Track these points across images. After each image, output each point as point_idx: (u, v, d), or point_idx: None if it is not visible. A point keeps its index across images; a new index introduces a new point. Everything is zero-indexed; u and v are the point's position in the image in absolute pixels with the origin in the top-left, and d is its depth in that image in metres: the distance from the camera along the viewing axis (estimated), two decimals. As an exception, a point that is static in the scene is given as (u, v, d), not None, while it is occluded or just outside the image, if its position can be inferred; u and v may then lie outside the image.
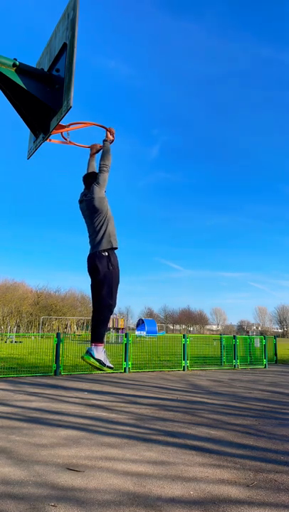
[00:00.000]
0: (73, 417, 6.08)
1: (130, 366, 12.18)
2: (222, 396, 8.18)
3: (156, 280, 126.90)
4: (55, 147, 3.87)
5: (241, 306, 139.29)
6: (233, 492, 3.40)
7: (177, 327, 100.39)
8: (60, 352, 11.13)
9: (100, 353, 3.31)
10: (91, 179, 3.67)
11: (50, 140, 3.65)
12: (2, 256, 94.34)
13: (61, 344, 11.20)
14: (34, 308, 62.02)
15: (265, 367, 14.68)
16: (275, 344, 16.79)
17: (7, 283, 64.02)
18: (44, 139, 3.47)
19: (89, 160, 3.97)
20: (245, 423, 5.88)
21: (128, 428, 5.46)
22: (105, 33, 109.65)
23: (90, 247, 3.55)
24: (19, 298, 60.83)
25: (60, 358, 11.13)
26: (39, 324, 57.88)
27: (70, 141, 3.77)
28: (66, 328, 63.92)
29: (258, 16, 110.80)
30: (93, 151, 3.96)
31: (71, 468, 3.89)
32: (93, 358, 3.28)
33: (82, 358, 3.33)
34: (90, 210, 3.53)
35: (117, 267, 3.50)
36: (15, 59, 3.09)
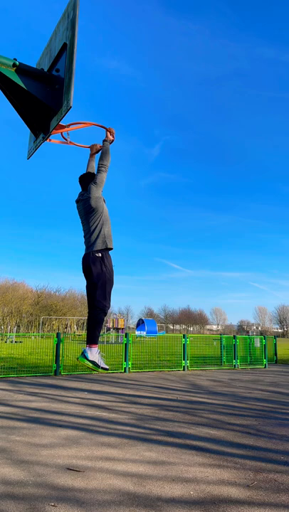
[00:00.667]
0: (73, 417, 6.08)
1: (130, 366, 12.18)
2: (222, 396, 8.18)
3: (156, 280, 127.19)
4: (55, 147, 3.87)
5: (241, 306, 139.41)
6: (233, 492, 3.40)
7: (177, 327, 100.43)
8: (60, 352, 11.14)
9: (93, 354, 3.32)
10: (87, 179, 3.66)
11: (50, 140, 3.65)
12: (2, 256, 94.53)
13: (61, 344, 11.20)
14: (34, 308, 62.08)
15: (265, 367, 14.68)
16: (275, 344, 16.80)
17: (7, 283, 64.14)
18: (44, 139, 3.47)
19: (89, 160, 3.97)
20: (245, 423, 5.88)
21: (128, 428, 5.46)
22: (106, 33, 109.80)
23: (84, 247, 3.53)
24: (19, 298, 60.91)
25: (60, 358, 11.14)
26: (39, 324, 57.93)
27: (70, 141, 3.77)
28: (66, 328, 63.96)
29: (258, 16, 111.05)
30: (93, 151, 3.96)
31: (71, 468, 3.89)
32: (87, 359, 3.29)
33: (77, 359, 3.35)
34: (86, 209, 3.51)
35: (111, 269, 3.46)
36: (15, 59, 3.09)
